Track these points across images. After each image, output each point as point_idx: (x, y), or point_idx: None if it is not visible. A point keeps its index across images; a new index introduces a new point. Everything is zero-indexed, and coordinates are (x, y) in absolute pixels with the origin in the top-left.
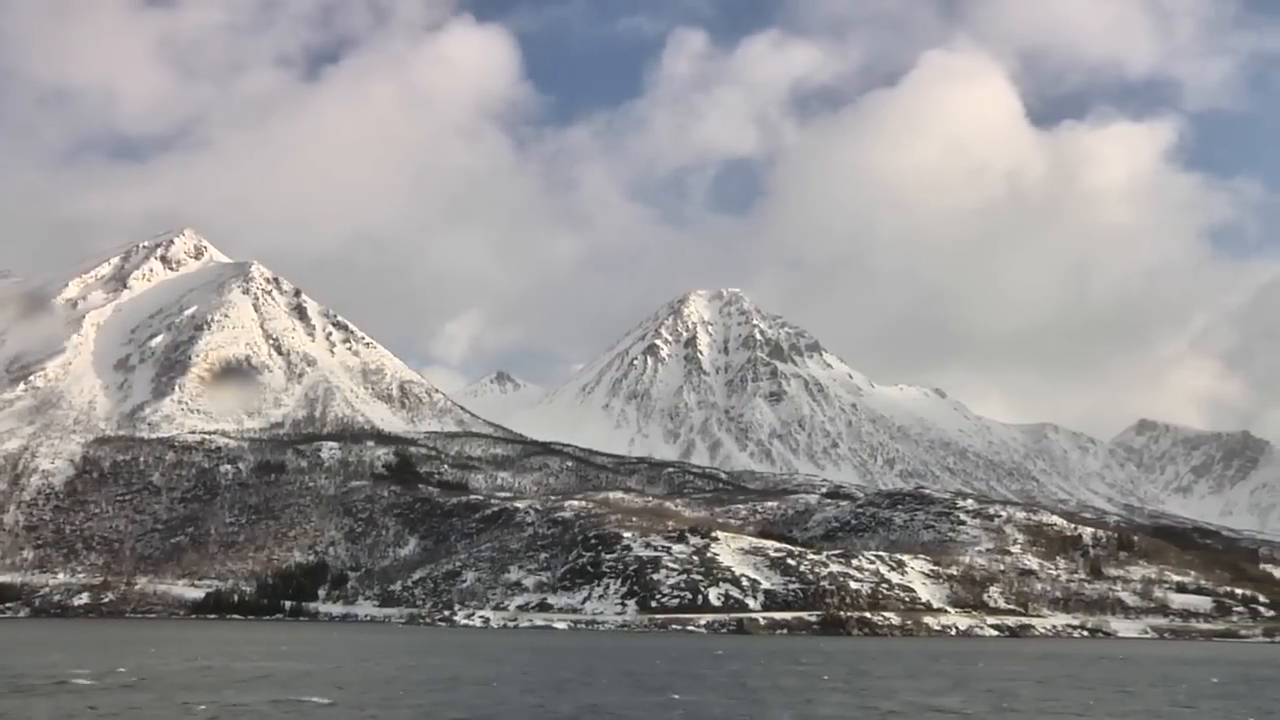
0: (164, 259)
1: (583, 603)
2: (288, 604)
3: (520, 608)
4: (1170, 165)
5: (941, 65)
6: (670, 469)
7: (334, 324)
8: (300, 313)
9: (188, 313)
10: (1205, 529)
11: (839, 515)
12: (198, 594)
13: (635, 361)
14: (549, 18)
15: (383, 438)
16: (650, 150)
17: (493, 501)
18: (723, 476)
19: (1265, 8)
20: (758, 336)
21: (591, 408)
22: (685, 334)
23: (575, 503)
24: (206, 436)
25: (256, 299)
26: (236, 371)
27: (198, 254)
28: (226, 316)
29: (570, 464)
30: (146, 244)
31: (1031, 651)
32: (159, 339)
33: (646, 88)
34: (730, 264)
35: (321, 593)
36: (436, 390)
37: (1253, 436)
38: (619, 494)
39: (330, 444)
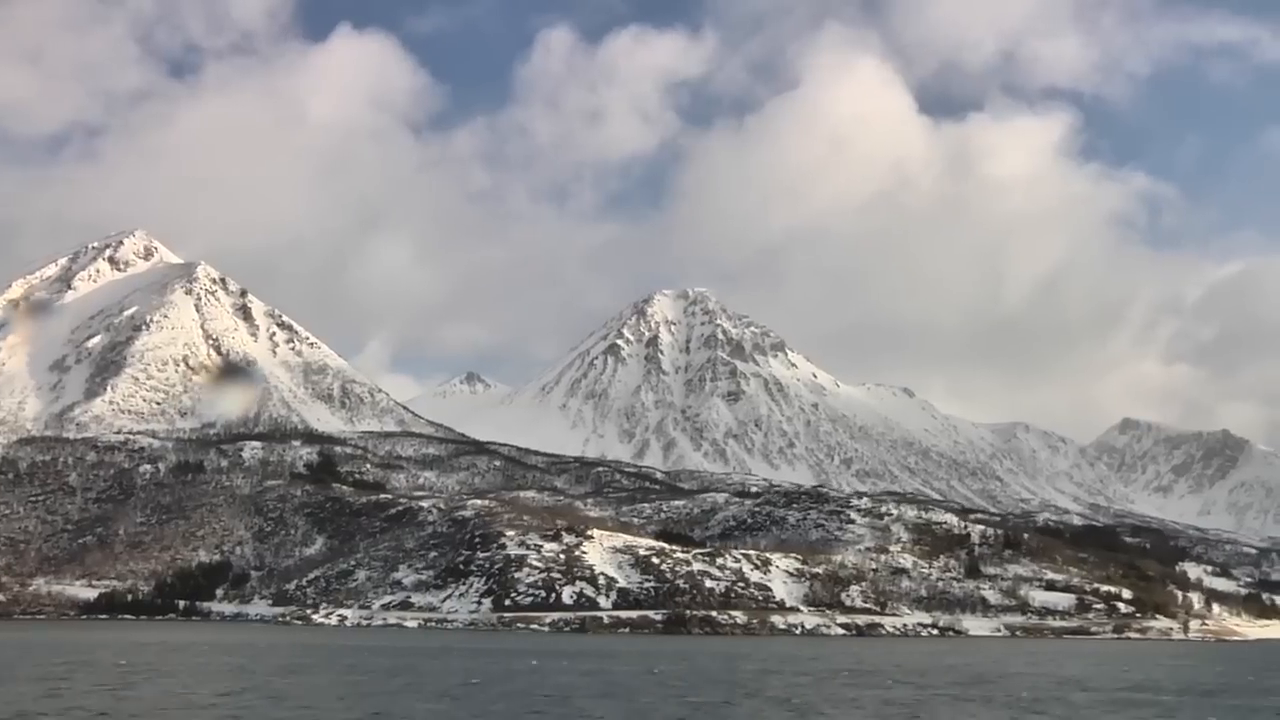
0: (112, 260)
1: (443, 601)
2: (181, 604)
3: (384, 606)
4: (1069, 159)
5: (841, 62)
6: (600, 468)
7: (278, 324)
8: (244, 313)
9: (127, 313)
10: (1145, 527)
11: (737, 514)
12: (91, 595)
13: (595, 361)
14: (442, 21)
15: (311, 437)
16: (545, 150)
17: (400, 500)
18: (658, 476)
19: None
20: (720, 336)
21: (549, 408)
22: (648, 334)
23: (478, 502)
24: (130, 437)
25: (199, 299)
26: (237, 371)
27: (147, 255)
28: (166, 317)
29: (499, 463)
30: (95, 245)
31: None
32: (96, 339)
33: (524, 89)
34: (672, 262)
35: (220, 592)
36: (380, 390)
37: (1232, 435)
38: (532, 493)
39: (253, 443)
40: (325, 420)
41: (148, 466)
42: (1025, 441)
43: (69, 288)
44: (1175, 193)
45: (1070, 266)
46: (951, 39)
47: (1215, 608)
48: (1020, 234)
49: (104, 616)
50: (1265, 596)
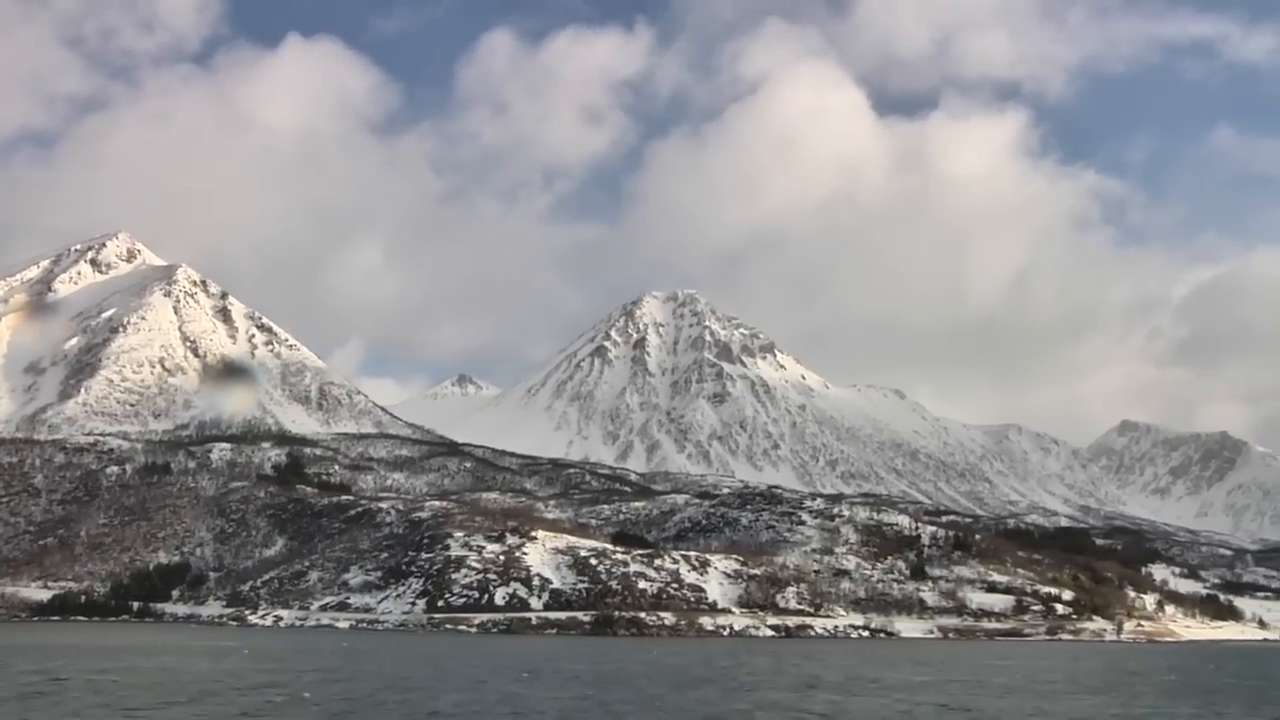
0: (94, 262)
1: (379, 602)
2: (135, 605)
3: (321, 607)
4: (1027, 156)
5: (786, 61)
6: (572, 470)
7: (258, 326)
8: (224, 315)
9: (105, 315)
10: (1124, 529)
11: (693, 516)
12: (46, 596)
13: (582, 363)
14: (404, 23)
15: (282, 439)
16: (498, 152)
17: (361, 502)
18: (632, 477)
19: None
20: (707, 338)
21: (535, 410)
22: (635, 336)
23: (436, 503)
24: (100, 438)
25: (178, 301)
26: (237, 371)
27: (130, 257)
28: (144, 319)
29: (470, 465)
30: (78, 247)
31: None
32: (73, 341)
33: (469, 91)
34: (640, 264)
35: (176, 593)
36: (358, 392)
37: (1230, 437)
38: (495, 494)
39: (222, 445)
40: (301, 422)
41: (114, 468)
42: (1017, 443)
43: (50, 290)
44: (1133, 190)
45: (1040, 265)
46: (901, 35)
47: (1169, 609)
48: (985, 231)
49: (56, 618)
50: (1225, 598)
